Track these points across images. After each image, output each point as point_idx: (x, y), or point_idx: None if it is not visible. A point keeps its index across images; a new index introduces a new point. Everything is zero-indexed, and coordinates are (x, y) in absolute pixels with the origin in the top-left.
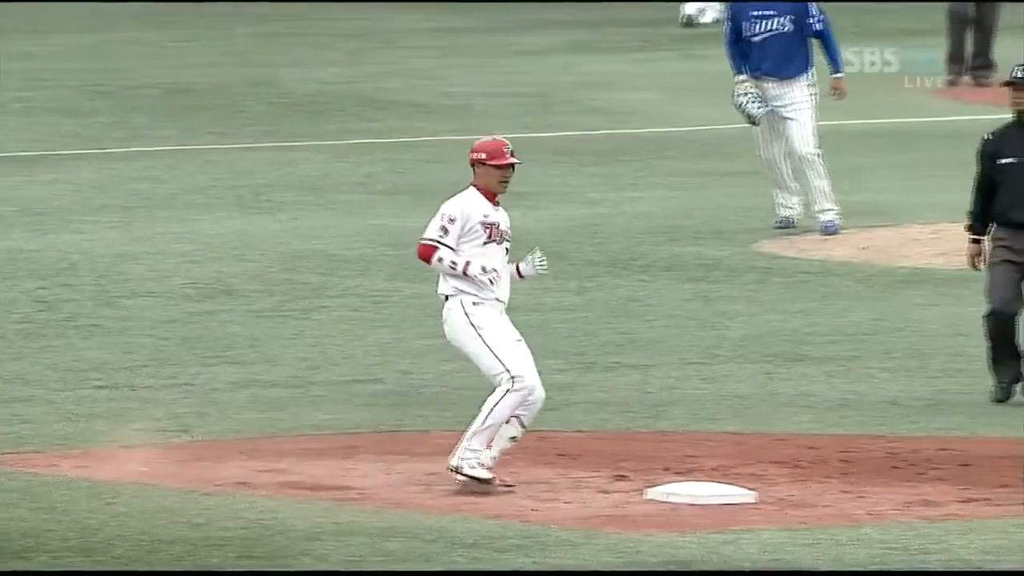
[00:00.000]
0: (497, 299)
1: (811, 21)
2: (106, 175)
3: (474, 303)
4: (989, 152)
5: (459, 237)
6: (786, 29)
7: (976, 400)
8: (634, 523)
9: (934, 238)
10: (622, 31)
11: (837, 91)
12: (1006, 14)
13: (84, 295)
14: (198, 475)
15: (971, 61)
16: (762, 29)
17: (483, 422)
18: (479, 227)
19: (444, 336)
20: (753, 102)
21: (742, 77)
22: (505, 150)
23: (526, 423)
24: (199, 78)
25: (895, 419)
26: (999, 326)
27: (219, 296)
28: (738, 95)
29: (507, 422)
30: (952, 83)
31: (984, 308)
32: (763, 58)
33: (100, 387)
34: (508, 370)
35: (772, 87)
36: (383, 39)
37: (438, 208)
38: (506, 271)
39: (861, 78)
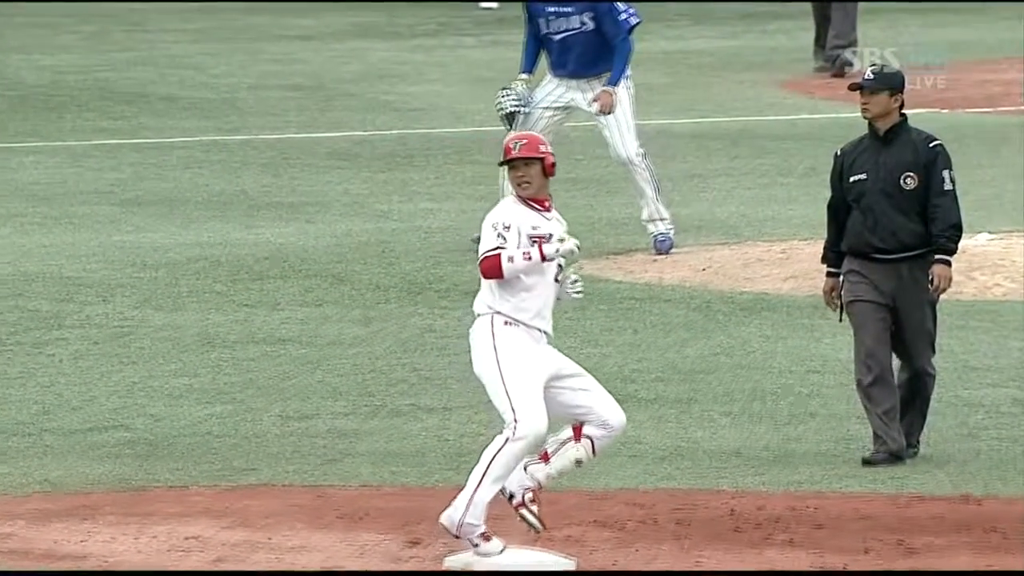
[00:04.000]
0: (537, 328)
1: (619, 16)
2: None
3: (505, 323)
4: (841, 169)
5: (518, 244)
6: (586, 27)
7: (832, 450)
8: None
9: (782, 259)
10: (415, 12)
11: (599, 103)
12: None
13: None
14: None
15: (828, 42)
16: (560, 27)
17: (480, 478)
18: (527, 242)
19: (202, 376)
20: (509, 97)
21: (523, 76)
22: (512, 144)
23: (598, 449)
24: None
25: (738, 471)
26: (873, 394)
27: None
28: (498, 94)
29: (576, 440)
30: (822, 69)
31: (853, 368)
32: (566, 58)
33: None
34: (512, 410)
35: (582, 88)
36: (130, 20)
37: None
38: (552, 300)
39: (689, 65)
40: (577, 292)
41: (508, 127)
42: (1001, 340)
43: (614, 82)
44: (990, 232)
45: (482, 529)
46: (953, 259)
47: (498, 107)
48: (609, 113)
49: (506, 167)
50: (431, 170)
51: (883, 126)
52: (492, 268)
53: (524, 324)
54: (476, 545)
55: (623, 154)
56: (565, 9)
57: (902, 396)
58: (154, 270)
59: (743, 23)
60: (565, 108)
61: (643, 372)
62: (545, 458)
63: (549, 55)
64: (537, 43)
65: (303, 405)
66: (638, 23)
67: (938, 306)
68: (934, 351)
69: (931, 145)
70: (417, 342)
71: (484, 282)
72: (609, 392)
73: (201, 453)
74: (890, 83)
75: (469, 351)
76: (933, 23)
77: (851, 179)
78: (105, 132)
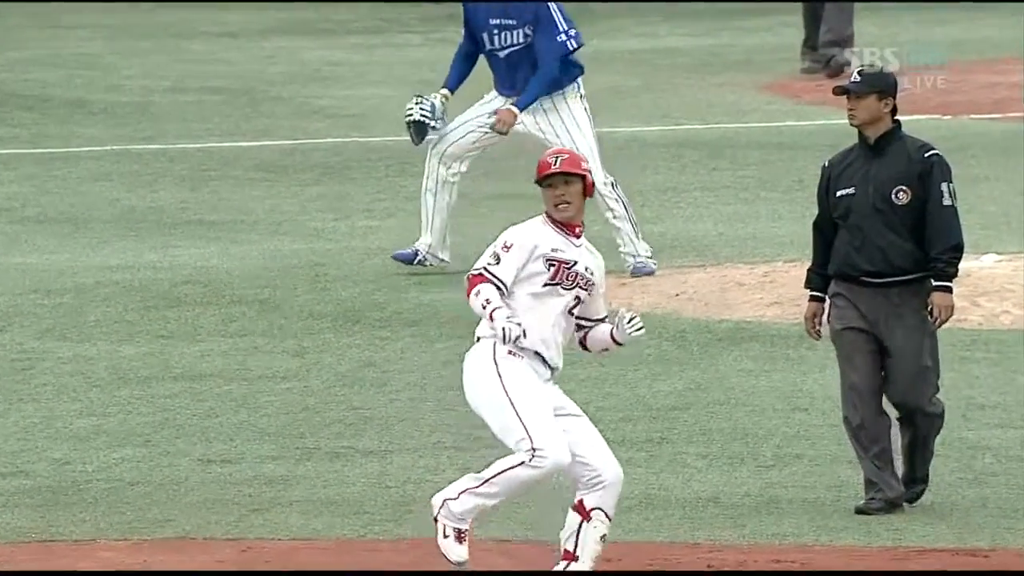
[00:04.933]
0: (542, 358)
1: (558, 35)
2: None
3: (509, 352)
4: (828, 182)
5: (518, 271)
6: (530, 40)
7: (822, 498)
8: None
9: (765, 282)
10: (351, 7)
11: (498, 119)
12: None
13: None
14: None
15: (821, 38)
16: (504, 43)
17: (481, 483)
18: (542, 263)
19: (112, 415)
20: (421, 105)
21: (444, 92)
22: (551, 159)
23: (611, 514)
24: None
25: (715, 522)
26: (863, 436)
27: None
28: (412, 100)
29: (587, 519)
30: (811, 71)
31: (840, 404)
32: (515, 77)
33: None
34: (530, 438)
35: (537, 108)
36: (28, 13)
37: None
38: (559, 332)
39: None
40: (637, 331)
41: (414, 140)
42: (1009, 374)
43: (522, 105)
44: (997, 253)
45: (460, 526)
46: (954, 284)
47: (407, 114)
48: (504, 133)
49: (541, 183)
50: (370, 184)
51: (873, 134)
52: (468, 288)
53: (527, 352)
54: (445, 536)
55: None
56: (508, 21)
57: (902, 438)
58: (58, 296)
59: (721, 19)
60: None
61: (609, 410)
62: (569, 557)
63: (495, 73)
64: (470, 62)
65: (226, 448)
66: (578, 48)
67: (938, 335)
68: (936, 388)
69: (927, 154)
70: (355, 377)
71: None
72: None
73: (111, 503)
74: (878, 85)
75: (461, 379)
76: (932, 19)
77: (838, 193)
78: (1, 141)
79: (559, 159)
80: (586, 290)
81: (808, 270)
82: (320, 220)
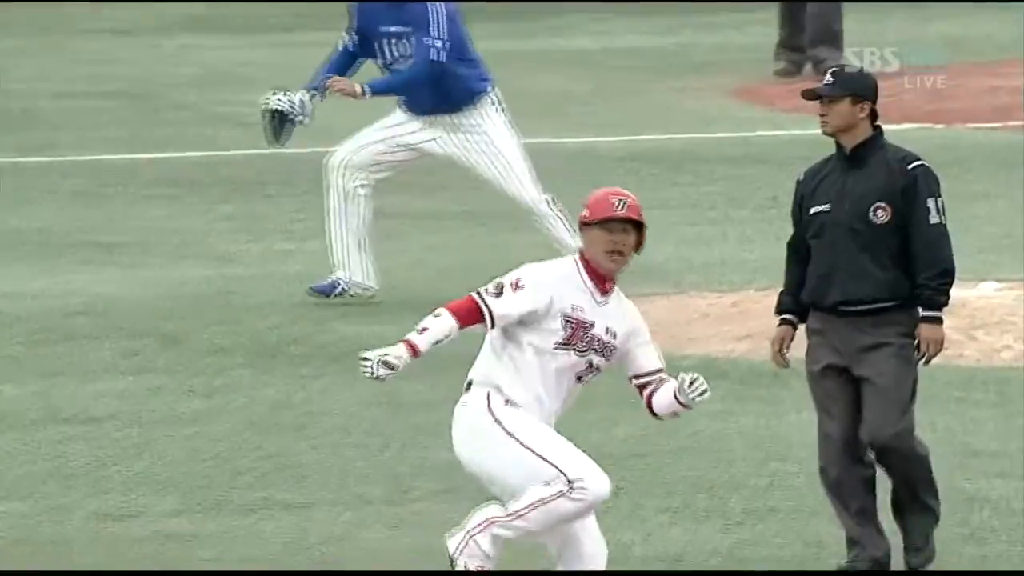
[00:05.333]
0: (539, 402)
1: (427, 38)
2: None
3: (506, 402)
4: (802, 199)
5: (521, 316)
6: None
7: (799, 556)
8: None
9: (735, 313)
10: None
11: (334, 83)
12: None
13: None
14: None
15: (807, 36)
16: (399, 53)
17: (512, 516)
18: (559, 321)
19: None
20: (280, 96)
21: (312, 92)
22: (614, 200)
23: None
24: None
25: None
26: (842, 491)
27: None
28: (265, 96)
29: None
30: (786, 73)
31: (817, 453)
32: (420, 94)
33: None
34: (563, 472)
35: (451, 126)
36: None
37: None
38: (559, 401)
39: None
40: (701, 395)
41: (270, 135)
42: (1011, 418)
43: (375, 87)
44: (997, 280)
45: (486, 565)
46: (946, 314)
47: (263, 103)
48: (337, 92)
49: (601, 224)
50: (288, 201)
51: (849, 143)
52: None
53: (525, 404)
54: (464, 567)
55: (523, 200)
56: (403, 29)
57: (892, 489)
58: None
59: (683, 15)
60: (414, 149)
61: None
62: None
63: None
64: (348, 58)
65: (124, 501)
66: (439, 63)
67: (922, 371)
68: (911, 424)
69: (910, 166)
70: (270, 420)
71: (487, 339)
72: None
73: None
74: (852, 87)
75: (450, 431)
76: (923, 16)
77: (811, 210)
78: None
79: (624, 202)
80: (603, 355)
81: (780, 293)
82: (231, 242)
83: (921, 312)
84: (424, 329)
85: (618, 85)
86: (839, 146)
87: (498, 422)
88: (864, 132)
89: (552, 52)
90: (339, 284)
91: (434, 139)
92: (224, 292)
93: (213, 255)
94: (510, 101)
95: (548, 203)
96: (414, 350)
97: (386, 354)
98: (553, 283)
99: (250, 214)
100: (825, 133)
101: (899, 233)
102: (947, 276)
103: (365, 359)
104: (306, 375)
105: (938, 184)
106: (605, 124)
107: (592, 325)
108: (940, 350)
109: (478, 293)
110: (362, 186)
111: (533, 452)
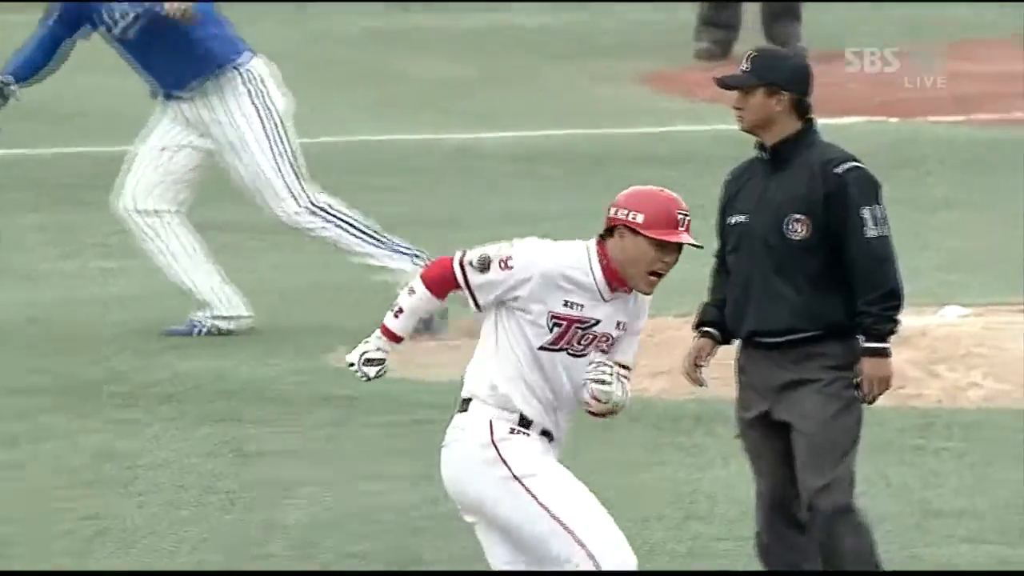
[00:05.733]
0: (545, 431)
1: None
2: None
3: (511, 430)
4: (725, 205)
5: (497, 297)
6: (139, 10)
7: None
8: None
9: (650, 344)
10: None
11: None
12: None
13: None
14: None
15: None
16: (120, 19)
17: None
18: (545, 319)
19: None
20: None
21: (17, 85)
22: (679, 216)
23: None
24: None
25: None
26: (772, 559)
27: None
28: None
29: None
30: (709, 55)
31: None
32: (159, 70)
33: None
34: (581, 544)
35: (192, 109)
36: None
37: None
38: (567, 403)
39: (508, 49)
40: (596, 382)
41: None
42: (980, 469)
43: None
44: (961, 305)
45: None
46: (895, 343)
47: None
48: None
49: (657, 242)
50: (108, 210)
51: (770, 140)
52: (426, 269)
53: (531, 432)
54: None
55: (276, 217)
56: None
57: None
58: None
59: None
60: (195, 148)
61: (452, 518)
62: None
63: (140, 73)
64: (54, 45)
65: None
66: (54, 27)
67: (873, 414)
68: (845, 478)
69: (836, 168)
70: (89, 474)
71: (481, 338)
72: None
73: None
74: (767, 76)
75: (439, 464)
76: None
77: (730, 221)
78: None
79: (687, 220)
80: (604, 351)
81: (703, 303)
82: (39, 259)
83: (863, 343)
84: (400, 311)
85: (508, 71)
86: (761, 145)
87: (503, 460)
88: (786, 128)
89: (429, 31)
90: (197, 324)
91: (200, 135)
92: (30, 319)
93: (16, 275)
94: (383, 89)
95: (309, 209)
96: (394, 337)
97: (364, 352)
98: (556, 264)
99: (61, 226)
100: (742, 129)
101: (822, 250)
102: (892, 298)
103: (351, 365)
104: (131, 419)
105: (876, 189)
106: (493, 117)
107: (593, 324)
108: (886, 388)
109: (460, 264)
110: (167, 212)
111: (548, 512)
